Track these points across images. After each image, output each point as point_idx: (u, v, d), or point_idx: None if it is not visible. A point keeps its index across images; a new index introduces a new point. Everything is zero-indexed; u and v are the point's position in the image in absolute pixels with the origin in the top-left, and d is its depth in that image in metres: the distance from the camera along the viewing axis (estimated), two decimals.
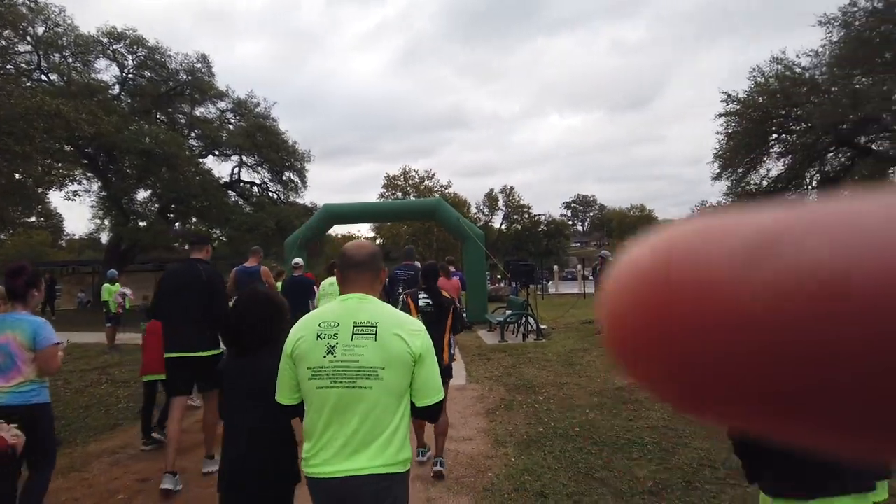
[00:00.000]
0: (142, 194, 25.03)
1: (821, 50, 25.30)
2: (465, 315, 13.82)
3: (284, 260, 15.57)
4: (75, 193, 22.59)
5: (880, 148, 25.90)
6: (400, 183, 72.67)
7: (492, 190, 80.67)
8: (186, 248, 4.90)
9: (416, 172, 70.13)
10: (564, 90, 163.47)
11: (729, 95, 26.97)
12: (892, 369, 0.13)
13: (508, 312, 11.92)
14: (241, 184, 27.13)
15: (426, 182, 69.34)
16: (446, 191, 64.42)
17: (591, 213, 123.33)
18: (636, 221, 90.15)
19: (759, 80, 26.71)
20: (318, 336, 1.98)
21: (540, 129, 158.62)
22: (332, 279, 10.21)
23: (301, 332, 2.03)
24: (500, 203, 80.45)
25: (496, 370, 8.23)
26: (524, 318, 11.65)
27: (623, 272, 0.18)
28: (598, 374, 7.54)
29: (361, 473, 1.94)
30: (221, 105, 27.82)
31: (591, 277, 21.94)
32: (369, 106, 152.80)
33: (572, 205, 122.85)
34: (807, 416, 0.15)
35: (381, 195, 75.14)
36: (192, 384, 4.65)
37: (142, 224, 24.50)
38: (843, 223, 0.14)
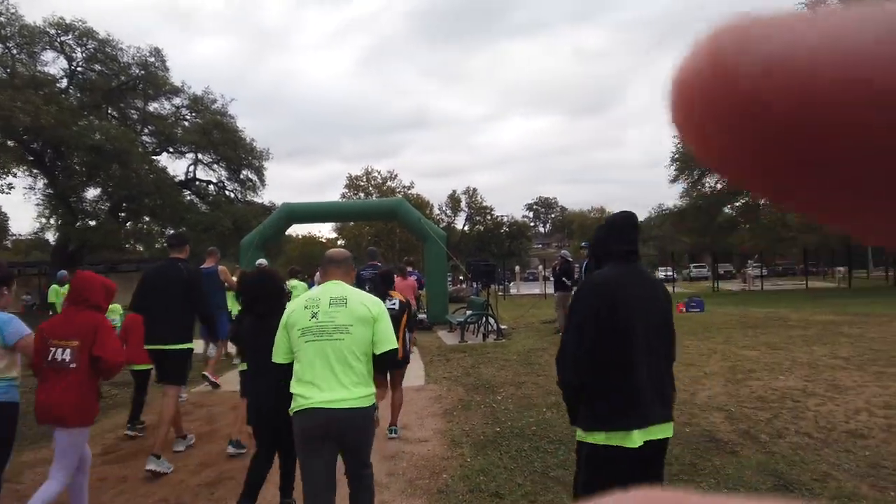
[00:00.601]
0: (91, 192, 24.15)
1: None
2: (425, 315, 13.76)
3: (240, 260, 15.22)
4: (10, 186, 21.45)
5: None
6: (362, 183, 72.05)
7: (454, 191, 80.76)
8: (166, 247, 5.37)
9: (379, 173, 69.68)
10: (526, 94, 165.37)
11: None
12: None
13: (469, 313, 11.89)
14: (197, 182, 26.42)
15: (389, 183, 68.92)
16: (409, 191, 64.18)
17: (553, 215, 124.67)
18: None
19: None
20: (305, 307, 2.83)
21: (502, 131, 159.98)
22: (294, 282, 10.20)
23: (293, 307, 2.92)
24: (463, 204, 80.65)
25: (455, 370, 8.17)
26: (484, 319, 11.63)
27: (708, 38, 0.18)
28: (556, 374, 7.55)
29: (340, 406, 2.70)
30: (177, 101, 27.10)
31: (551, 278, 22.21)
32: (332, 106, 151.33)
33: (534, 207, 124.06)
34: None
35: (344, 195, 74.34)
36: (161, 376, 4.89)
37: (91, 223, 23.60)
38: None
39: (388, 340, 2.86)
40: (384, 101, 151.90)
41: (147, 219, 24.34)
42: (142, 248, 28.09)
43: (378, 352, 2.83)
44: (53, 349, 3.28)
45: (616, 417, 2.31)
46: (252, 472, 3.53)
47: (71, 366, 3.26)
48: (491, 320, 11.63)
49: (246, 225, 20.89)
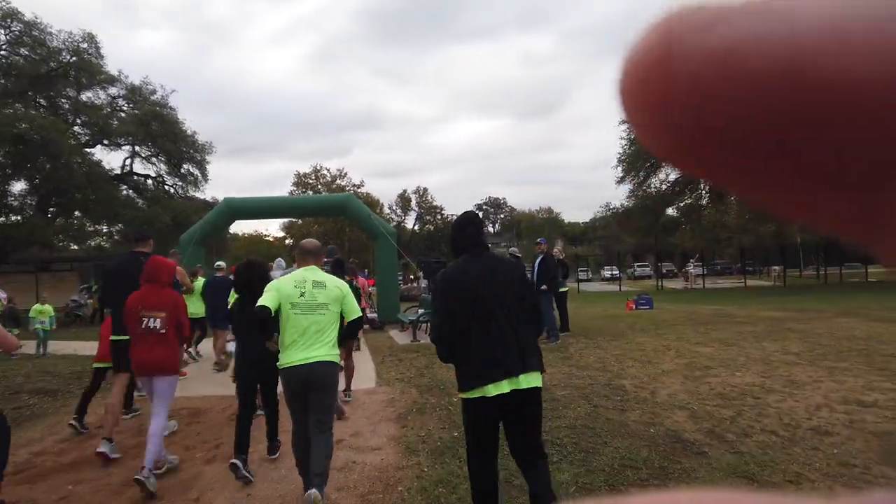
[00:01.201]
0: (17, 186, 22.43)
1: None
2: (376, 314, 13.37)
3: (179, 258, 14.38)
4: None
5: None
6: (311, 181, 70.71)
7: (405, 191, 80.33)
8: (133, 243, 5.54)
9: (328, 171, 68.68)
10: (476, 96, 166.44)
11: None
12: None
13: (421, 311, 11.54)
14: (135, 176, 24.96)
15: (338, 181, 67.99)
16: (359, 190, 63.39)
17: (502, 215, 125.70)
18: (544, 223, 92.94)
19: None
20: (294, 286, 3.61)
21: (452, 132, 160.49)
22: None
23: (282, 282, 3.67)
24: (413, 204, 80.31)
25: (408, 371, 7.82)
26: None
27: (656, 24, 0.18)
28: None
29: (316, 360, 3.54)
30: (113, 91, 25.58)
31: None
32: (282, 103, 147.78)
33: (483, 206, 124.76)
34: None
35: (292, 193, 72.86)
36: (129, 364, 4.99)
37: (16, 219, 21.96)
38: None
39: (354, 311, 3.83)
40: (335, 101, 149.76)
41: (78, 214, 22.79)
42: (76, 247, 26.43)
43: (347, 320, 3.81)
44: (145, 319, 4.25)
45: (476, 375, 2.85)
46: (239, 428, 4.23)
47: (161, 331, 4.26)
48: None
49: (186, 221, 19.83)
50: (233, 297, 5.77)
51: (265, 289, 3.69)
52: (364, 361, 8.65)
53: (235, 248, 54.96)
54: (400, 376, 7.51)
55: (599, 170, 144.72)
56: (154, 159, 24.67)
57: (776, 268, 38.79)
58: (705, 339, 9.02)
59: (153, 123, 22.67)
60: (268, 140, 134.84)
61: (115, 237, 25.23)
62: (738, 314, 12.25)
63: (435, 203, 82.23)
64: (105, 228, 23.60)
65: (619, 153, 30.13)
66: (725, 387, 6.09)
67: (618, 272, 56.49)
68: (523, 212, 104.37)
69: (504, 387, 2.82)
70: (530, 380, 2.91)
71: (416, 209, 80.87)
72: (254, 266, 4.76)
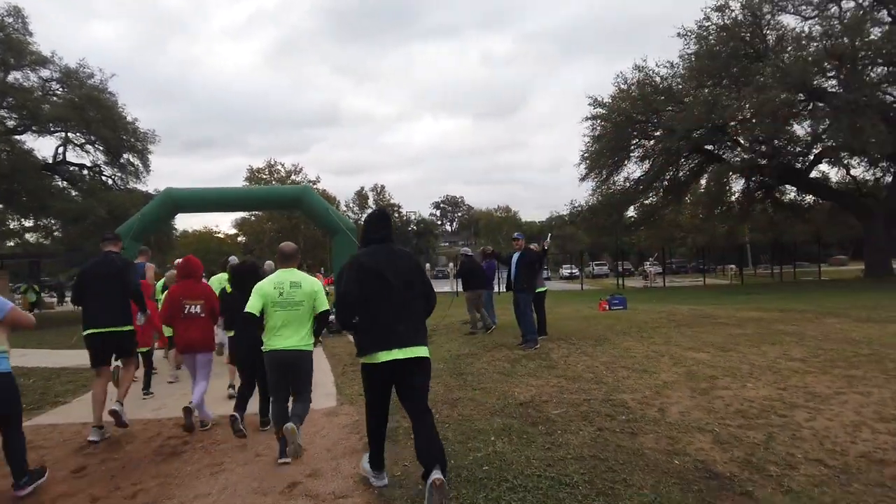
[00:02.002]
0: None
1: (677, 61, 26.74)
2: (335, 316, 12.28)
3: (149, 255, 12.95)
4: None
5: (725, 156, 27.83)
6: (265, 176, 68.37)
7: (362, 188, 78.80)
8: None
9: (283, 165, 66.59)
10: (436, 96, 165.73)
11: (595, 100, 27.66)
12: None
13: None
14: (69, 166, 22.87)
15: (293, 176, 65.76)
16: (315, 186, 61.57)
17: (459, 214, 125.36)
18: (502, 222, 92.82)
19: (622, 86, 27.68)
20: (274, 288, 4.34)
21: (412, 131, 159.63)
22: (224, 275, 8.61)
23: (266, 285, 4.36)
24: (371, 201, 78.81)
25: None
26: None
27: None
28: (494, 386, 6.39)
29: (293, 348, 4.32)
30: (45, 73, 23.45)
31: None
32: (239, 98, 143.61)
33: (441, 205, 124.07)
34: None
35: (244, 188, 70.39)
36: (111, 354, 5.43)
37: None
38: None
39: (322, 305, 4.45)
40: (294, 97, 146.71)
41: (0, 206, 20.68)
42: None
43: (318, 311, 4.45)
44: (187, 305, 5.36)
45: (374, 344, 3.41)
46: (240, 394, 5.17)
47: (201, 315, 5.40)
48: None
49: (124, 214, 18.08)
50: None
51: (252, 291, 4.37)
52: (322, 372, 7.60)
53: (183, 245, 52.50)
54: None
55: (557, 170, 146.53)
56: (90, 147, 22.65)
57: (732, 266, 39.22)
58: (697, 344, 8.32)
59: (89, 108, 20.70)
60: (223, 135, 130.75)
61: (56, 232, 23.17)
62: (719, 315, 11.68)
63: (392, 201, 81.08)
64: (30, 223, 21.59)
65: (582, 150, 29.71)
66: (742, 402, 5.33)
67: (576, 271, 56.62)
68: (481, 210, 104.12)
69: (396, 354, 3.37)
70: (417, 351, 3.48)
71: (374, 207, 79.50)
72: (251, 268, 5.68)
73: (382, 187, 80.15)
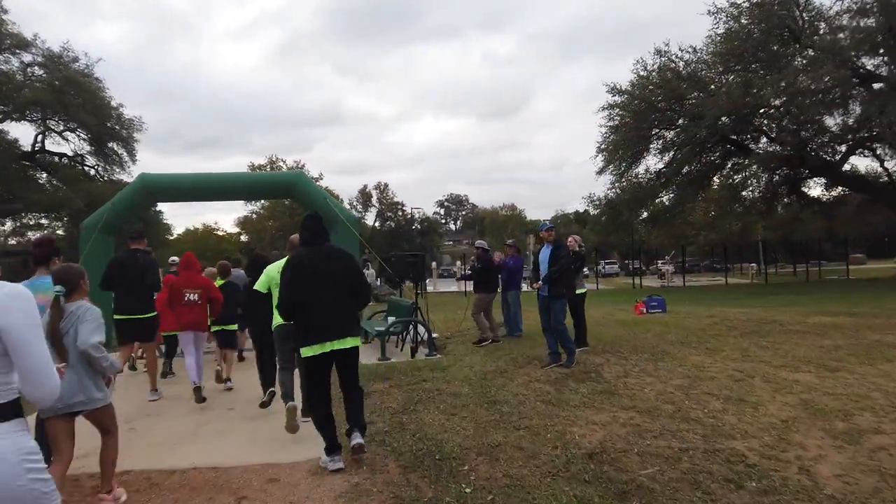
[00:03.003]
0: None
1: (700, 46, 24.98)
2: None
3: (79, 249, 11.33)
4: None
5: (751, 147, 26.06)
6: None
7: (365, 186, 77.14)
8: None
9: (284, 163, 64.78)
10: (439, 96, 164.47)
11: (614, 87, 25.92)
12: None
13: (392, 320, 8.87)
14: (48, 155, 21.14)
15: None
16: (318, 183, 59.96)
17: (463, 212, 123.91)
18: (507, 220, 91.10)
19: (641, 72, 25.94)
20: (278, 271, 4.46)
21: (413, 131, 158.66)
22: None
23: (272, 269, 4.93)
24: (374, 200, 77.12)
25: (380, 417, 5.15)
26: (412, 327, 8.69)
27: None
28: (542, 422, 4.70)
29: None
30: (27, 58, 21.78)
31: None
32: (242, 98, 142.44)
33: (445, 203, 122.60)
34: None
35: None
36: (134, 336, 6.47)
37: None
38: None
39: None
40: (297, 97, 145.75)
41: None
42: None
43: None
44: (187, 294, 6.50)
45: (312, 337, 3.87)
46: (263, 371, 5.65)
47: (198, 302, 6.52)
48: (420, 329, 8.71)
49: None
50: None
51: (261, 274, 5.07)
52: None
53: (176, 243, 50.76)
54: (368, 429, 4.81)
55: (559, 169, 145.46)
56: (71, 135, 20.95)
57: (752, 265, 37.45)
58: (788, 360, 6.62)
59: (69, 92, 19.03)
60: (227, 135, 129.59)
61: (48, 227, 21.51)
62: (784, 320, 9.96)
63: (396, 199, 79.49)
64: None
65: (598, 141, 27.98)
66: None
67: (586, 270, 54.68)
68: (486, 209, 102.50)
69: (330, 346, 3.86)
70: (348, 342, 3.96)
71: (377, 205, 77.85)
72: (259, 260, 6.28)
73: (385, 185, 78.38)
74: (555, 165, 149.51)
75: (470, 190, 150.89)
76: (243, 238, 65.63)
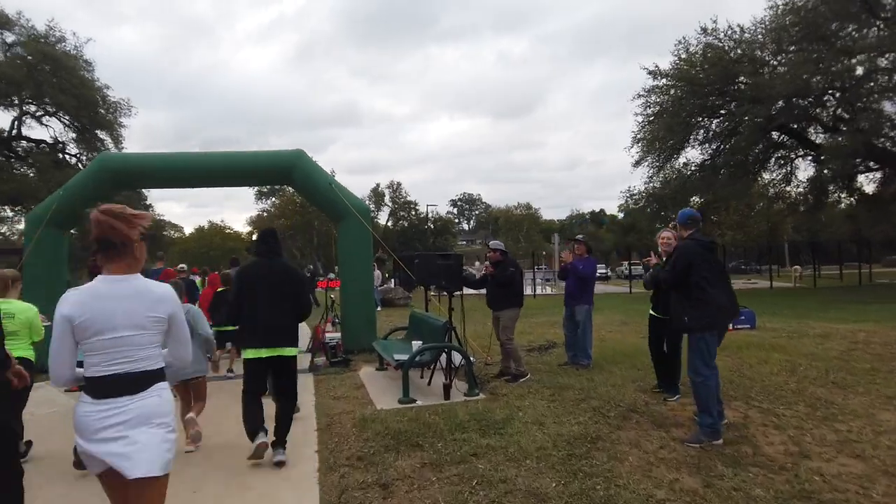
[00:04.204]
0: None
1: (748, 25, 22.40)
2: (338, 337, 8.60)
3: (24, 241, 9.13)
4: None
5: (815, 136, 23.37)
6: None
7: (377, 185, 74.90)
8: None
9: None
10: (452, 96, 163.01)
11: (655, 70, 23.37)
12: None
13: (418, 344, 6.46)
14: (26, 142, 18.95)
15: None
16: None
17: (477, 212, 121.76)
18: (522, 220, 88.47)
19: (682, 55, 23.37)
20: None
21: (426, 131, 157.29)
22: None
23: None
24: (387, 199, 74.87)
25: None
26: (446, 354, 6.34)
27: None
28: None
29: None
30: (9, 38, 19.63)
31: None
32: (259, 100, 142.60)
33: (458, 202, 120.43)
34: None
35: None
36: None
37: None
38: None
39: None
40: (313, 98, 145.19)
41: None
42: None
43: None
44: None
45: (252, 342, 4.20)
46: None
47: None
48: (456, 356, 6.36)
49: None
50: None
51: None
52: (304, 477, 3.67)
53: (183, 243, 49.14)
54: None
55: (572, 169, 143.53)
56: (51, 120, 18.76)
57: (797, 267, 34.63)
58: None
59: (44, 68, 16.79)
60: (243, 135, 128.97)
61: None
62: None
63: (409, 198, 77.37)
64: None
65: (635, 130, 25.45)
66: None
67: (608, 271, 52.16)
68: (500, 208, 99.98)
69: (266, 353, 4.16)
70: (285, 351, 4.23)
71: (390, 204, 75.64)
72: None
73: (398, 184, 76.22)
74: (568, 165, 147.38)
75: (483, 189, 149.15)
76: (255, 237, 63.93)
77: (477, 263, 37.48)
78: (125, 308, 2.09)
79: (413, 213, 75.80)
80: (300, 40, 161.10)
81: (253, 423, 4.21)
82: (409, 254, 19.20)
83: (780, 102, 19.83)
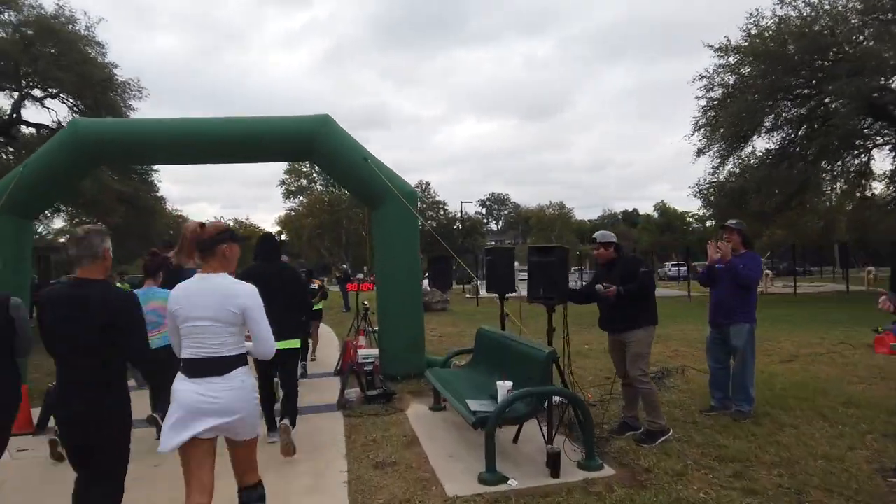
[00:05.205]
0: None
1: None
2: (375, 358, 6.42)
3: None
4: None
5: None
6: (305, 169, 63.29)
7: None
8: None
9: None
10: (479, 98, 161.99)
11: (724, 46, 20.69)
12: None
13: (505, 387, 4.16)
14: (26, 126, 17.07)
15: None
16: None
17: (505, 211, 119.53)
18: (555, 219, 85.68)
19: (752, 30, 20.63)
20: None
21: (453, 133, 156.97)
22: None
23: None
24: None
25: None
26: (551, 403, 4.11)
27: None
28: None
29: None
30: (12, 17, 17.86)
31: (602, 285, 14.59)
32: (289, 103, 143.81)
33: (487, 202, 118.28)
34: None
35: (284, 181, 65.18)
36: None
37: None
38: None
39: None
40: (342, 101, 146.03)
41: None
42: None
43: None
44: None
45: None
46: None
47: None
48: (566, 403, 4.13)
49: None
50: None
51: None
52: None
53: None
54: None
55: (600, 170, 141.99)
56: (53, 102, 16.83)
57: (870, 269, 31.44)
58: None
59: (40, 41, 14.87)
60: None
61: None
62: None
63: (438, 198, 75.81)
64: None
65: (696, 116, 22.80)
66: None
67: (656, 270, 49.37)
68: (531, 207, 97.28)
69: (282, 345, 3.72)
70: (289, 343, 4.56)
71: (419, 204, 73.92)
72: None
73: (427, 184, 74.52)
74: (596, 166, 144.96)
75: (510, 189, 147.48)
76: (284, 237, 62.79)
77: (516, 264, 34.12)
78: (206, 301, 2.48)
79: (442, 212, 74.18)
80: (329, 45, 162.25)
81: (269, 412, 4.80)
82: (438, 254, 17.12)
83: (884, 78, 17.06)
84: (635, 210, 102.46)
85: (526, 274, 4.65)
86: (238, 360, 2.52)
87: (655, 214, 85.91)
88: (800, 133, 21.65)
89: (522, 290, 4.93)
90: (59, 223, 24.20)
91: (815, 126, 20.30)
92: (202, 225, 2.61)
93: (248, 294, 2.53)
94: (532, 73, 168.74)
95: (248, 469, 2.65)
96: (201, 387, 2.42)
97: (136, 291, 3.25)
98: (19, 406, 2.89)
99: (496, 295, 5.93)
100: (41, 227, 23.65)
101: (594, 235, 4.76)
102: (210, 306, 2.44)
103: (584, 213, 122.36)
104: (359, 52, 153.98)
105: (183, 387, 2.44)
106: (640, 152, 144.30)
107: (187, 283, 2.56)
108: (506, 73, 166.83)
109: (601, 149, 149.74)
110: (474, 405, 3.99)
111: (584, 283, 4.98)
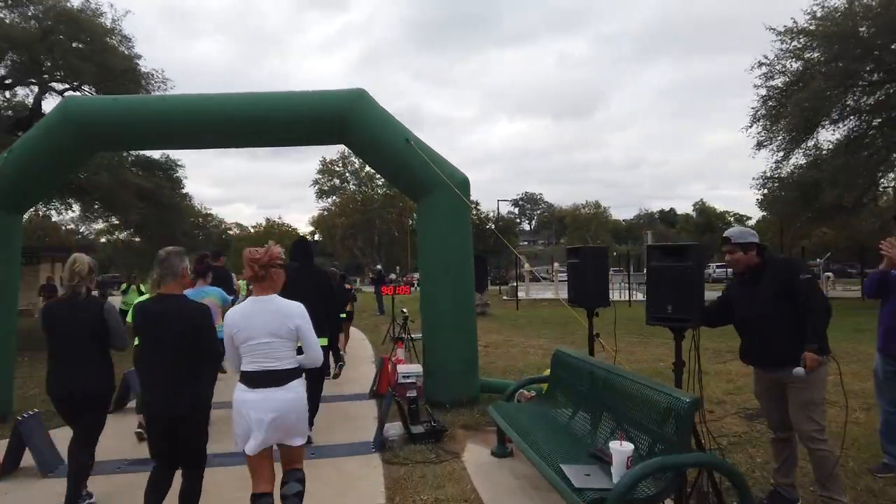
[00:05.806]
0: None
1: None
2: (416, 380, 5.10)
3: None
4: None
5: None
6: (338, 169, 62.69)
7: None
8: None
9: (357, 158, 60.18)
10: (512, 98, 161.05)
11: (795, 23, 18.91)
12: None
13: (624, 452, 2.88)
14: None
15: (368, 169, 59.06)
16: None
17: (539, 211, 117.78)
18: (590, 219, 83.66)
19: (818, 12, 18.78)
20: None
21: (487, 133, 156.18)
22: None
23: None
24: None
25: None
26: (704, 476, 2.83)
27: None
28: None
29: None
30: (36, 10, 17.14)
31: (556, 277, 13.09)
32: None
33: (519, 202, 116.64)
34: None
35: (317, 181, 64.55)
36: None
37: None
38: None
39: None
40: (378, 101, 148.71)
41: None
42: None
43: None
44: None
45: None
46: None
47: None
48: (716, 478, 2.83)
49: (87, 181, 11.68)
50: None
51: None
52: None
53: (240, 241, 47.38)
54: None
55: (635, 168, 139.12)
56: (74, 95, 16.11)
57: None
58: None
59: (58, 30, 14.09)
60: None
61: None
62: None
63: (471, 197, 74.26)
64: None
65: (755, 106, 21.06)
66: None
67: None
68: (565, 207, 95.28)
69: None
70: (322, 341, 4.01)
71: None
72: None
73: None
74: (631, 165, 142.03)
75: (543, 189, 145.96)
76: (317, 237, 62.58)
77: (556, 264, 29.60)
78: (265, 321, 2.84)
79: (475, 212, 73.00)
80: (365, 46, 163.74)
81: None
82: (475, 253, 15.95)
83: None
84: (672, 210, 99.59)
85: (565, 275, 3.58)
86: (293, 373, 2.89)
87: (694, 214, 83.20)
88: (873, 123, 19.74)
89: (562, 293, 3.73)
90: (100, 224, 23.58)
91: (894, 115, 18.40)
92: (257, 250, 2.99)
93: (300, 314, 2.94)
94: (566, 71, 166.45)
95: (294, 461, 3.00)
96: (260, 395, 2.78)
97: (187, 292, 3.55)
98: (113, 390, 3.62)
99: (583, 309, 4.63)
100: (83, 227, 23.32)
101: (726, 234, 3.30)
102: (269, 325, 2.83)
103: (619, 212, 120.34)
104: (395, 54, 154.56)
105: (244, 396, 2.81)
106: (674, 151, 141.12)
107: (243, 306, 2.93)
108: (539, 73, 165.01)
109: (636, 148, 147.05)
110: (576, 477, 2.72)
111: (719, 296, 3.51)
